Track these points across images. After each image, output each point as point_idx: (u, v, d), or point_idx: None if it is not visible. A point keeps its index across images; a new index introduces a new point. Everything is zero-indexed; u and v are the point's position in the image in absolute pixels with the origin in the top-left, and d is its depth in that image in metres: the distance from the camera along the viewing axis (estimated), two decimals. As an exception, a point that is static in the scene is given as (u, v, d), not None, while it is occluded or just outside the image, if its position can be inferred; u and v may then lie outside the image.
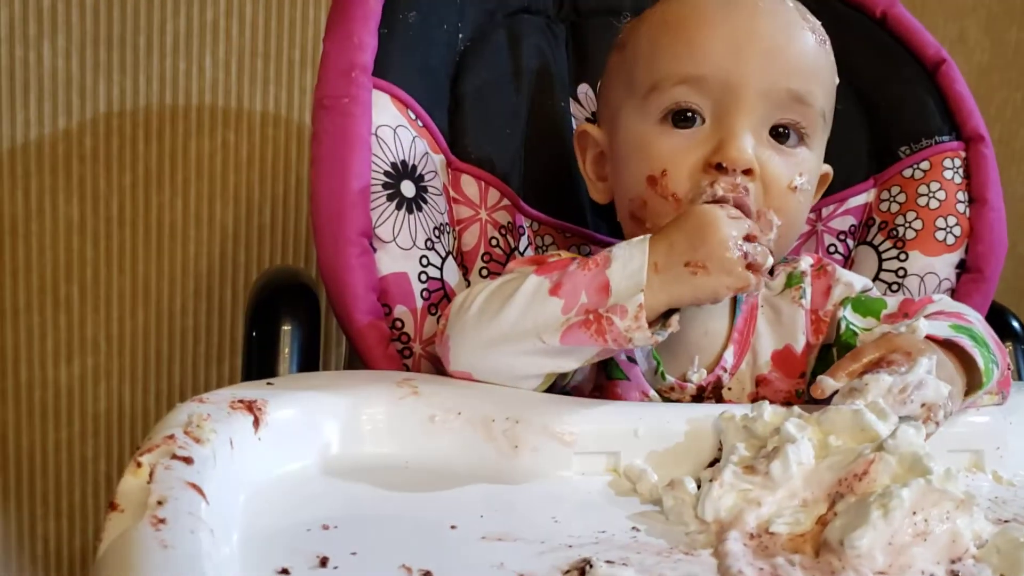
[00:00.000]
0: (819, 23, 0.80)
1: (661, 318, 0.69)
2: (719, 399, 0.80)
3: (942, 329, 0.72)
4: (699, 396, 0.80)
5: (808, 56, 0.76)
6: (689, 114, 0.75)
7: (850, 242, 1.00)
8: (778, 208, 0.75)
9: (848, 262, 0.99)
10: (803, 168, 0.77)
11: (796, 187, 0.76)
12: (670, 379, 0.79)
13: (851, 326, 0.80)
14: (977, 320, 0.78)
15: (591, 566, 0.52)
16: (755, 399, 0.79)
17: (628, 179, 0.78)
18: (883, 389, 0.65)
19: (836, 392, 0.67)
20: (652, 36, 0.77)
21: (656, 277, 0.67)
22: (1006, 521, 0.62)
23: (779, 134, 0.76)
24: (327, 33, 0.82)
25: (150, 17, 1.27)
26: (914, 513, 0.55)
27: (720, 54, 0.73)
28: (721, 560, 0.54)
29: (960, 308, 0.80)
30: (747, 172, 0.74)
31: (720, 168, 0.73)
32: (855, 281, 0.83)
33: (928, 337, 0.70)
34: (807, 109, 0.76)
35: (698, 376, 0.80)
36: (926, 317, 0.75)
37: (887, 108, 0.99)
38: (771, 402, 0.66)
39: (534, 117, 0.94)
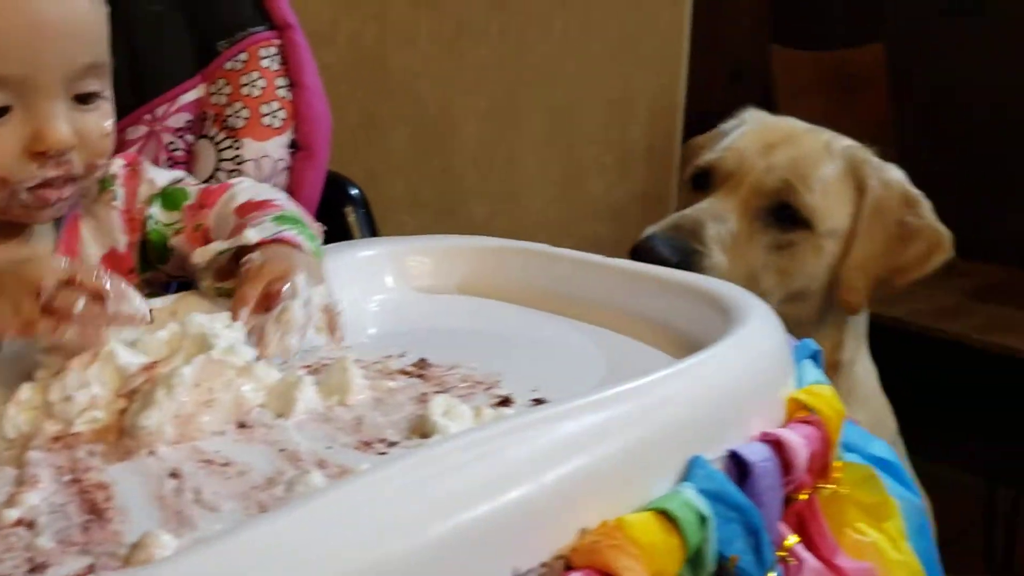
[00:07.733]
0: None
1: None
2: None
3: (268, 229, 0.80)
4: None
5: (92, 25, 0.79)
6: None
7: (189, 137, 1.06)
8: (97, 154, 0.80)
9: (190, 157, 1.06)
10: (107, 114, 0.81)
11: (107, 133, 0.81)
12: None
13: (157, 222, 0.88)
14: (282, 199, 0.88)
15: None
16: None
17: None
18: (293, 321, 0.72)
19: None
20: None
21: None
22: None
23: (82, 98, 0.79)
24: None
25: None
26: (198, 385, 0.64)
27: (16, 52, 0.74)
28: (22, 468, 0.60)
29: (261, 190, 0.90)
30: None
31: (45, 154, 0.76)
32: (158, 177, 0.90)
33: (260, 242, 0.78)
34: (100, 70, 0.80)
35: None
36: (236, 212, 0.85)
37: (203, 5, 1.05)
38: None
39: None
